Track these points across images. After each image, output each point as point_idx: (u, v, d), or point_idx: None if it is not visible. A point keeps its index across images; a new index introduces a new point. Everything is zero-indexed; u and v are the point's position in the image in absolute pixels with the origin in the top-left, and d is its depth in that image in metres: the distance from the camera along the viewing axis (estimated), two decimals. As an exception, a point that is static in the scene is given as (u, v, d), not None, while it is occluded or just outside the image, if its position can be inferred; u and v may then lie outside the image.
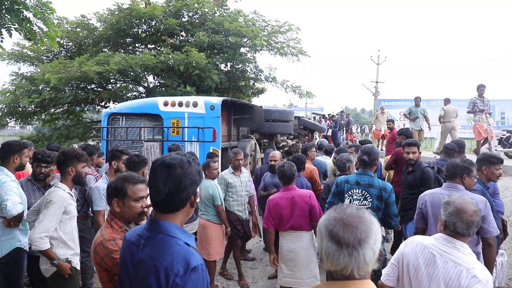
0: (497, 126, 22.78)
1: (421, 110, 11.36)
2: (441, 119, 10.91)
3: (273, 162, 5.26)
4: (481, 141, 9.43)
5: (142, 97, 13.28)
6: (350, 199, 3.58)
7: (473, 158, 5.13)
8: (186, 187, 1.55)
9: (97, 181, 4.68)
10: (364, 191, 3.53)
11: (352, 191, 3.59)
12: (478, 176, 3.68)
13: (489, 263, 3.18)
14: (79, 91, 12.87)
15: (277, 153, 5.48)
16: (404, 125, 13.82)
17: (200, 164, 1.68)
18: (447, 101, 11.41)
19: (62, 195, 3.02)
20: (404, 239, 4.62)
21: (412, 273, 2.26)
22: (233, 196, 5.01)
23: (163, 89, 12.99)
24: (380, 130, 14.34)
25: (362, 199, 3.53)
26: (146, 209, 2.19)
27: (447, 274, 2.10)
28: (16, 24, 4.51)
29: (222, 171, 6.60)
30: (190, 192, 1.57)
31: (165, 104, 6.72)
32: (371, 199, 3.51)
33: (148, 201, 2.12)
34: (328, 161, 6.19)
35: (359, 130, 17.93)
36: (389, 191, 3.52)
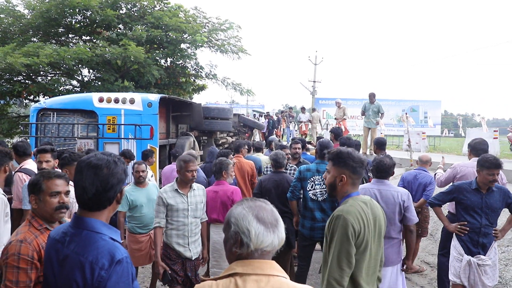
0: (421, 124, 24.87)
1: (375, 107, 10.83)
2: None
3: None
4: None
5: (76, 92, 12.64)
6: (312, 184, 4.18)
7: None
8: (113, 186, 1.62)
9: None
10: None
11: (314, 177, 4.18)
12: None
13: (410, 247, 3.64)
14: (4, 83, 11.93)
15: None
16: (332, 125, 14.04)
17: (125, 163, 1.76)
18: (313, 110, 17.53)
19: (2, 197, 2.85)
20: None
21: None
22: (172, 223, 3.65)
23: (99, 83, 12.48)
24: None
25: (322, 183, 4.15)
26: (66, 202, 2.17)
27: None
28: None
29: (160, 168, 6.59)
30: (116, 191, 1.65)
31: (100, 100, 6.52)
32: None
33: (66, 198, 2.17)
34: (262, 157, 6.42)
35: (296, 128, 18.50)
36: None
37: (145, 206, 4.32)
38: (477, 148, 4.38)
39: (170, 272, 3.64)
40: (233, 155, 5.56)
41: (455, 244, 3.81)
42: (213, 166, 4.25)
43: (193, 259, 3.72)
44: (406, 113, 9.73)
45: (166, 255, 3.68)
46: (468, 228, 3.68)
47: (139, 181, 4.38)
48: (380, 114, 10.95)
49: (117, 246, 1.58)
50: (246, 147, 6.12)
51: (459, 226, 3.73)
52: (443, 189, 4.14)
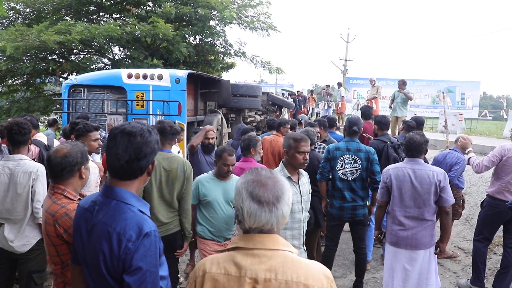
0: (457, 106, 23.80)
1: (404, 95, 10.26)
2: None
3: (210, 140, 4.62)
4: None
5: (107, 69, 12.84)
6: (342, 163, 4.03)
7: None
8: (146, 155, 1.58)
9: None
10: (354, 155, 4.03)
11: (343, 156, 4.04)
12: None
13: (446, 229, 3.45)
14: (39, 62, 12.25)
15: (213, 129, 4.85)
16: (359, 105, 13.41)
17: (158, 134, 1.71)
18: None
19: (42, 165, 3.02)
20: None
21: None
22: (286, 222, 2.64)
23: (130, 61, 12.59)
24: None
25: (353, 162, 4.02)
26: None
27: None
28: None
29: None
30: (149, 160, 1.61)
31: (129, 76, 6.54)
32: (360, 162, 4.02)
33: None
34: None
35: (326, 107, 17.89)
36: (373, 153, 4.07)
37: (220, 205, 3.44)
38: None
39: None
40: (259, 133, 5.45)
41: None
42: (241, 142, 4.16)
43: None
44: (443, 93, 9.18)
45: None
46: None
47: (224, 175, 3.50)
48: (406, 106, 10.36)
49: (146, 218, 1.54)
50: (288, 125, 5.80)
51: None
52: None
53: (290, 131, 5.35)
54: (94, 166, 3.28)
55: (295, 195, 2.90)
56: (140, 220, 1.51)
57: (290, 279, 1.27)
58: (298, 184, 3.01)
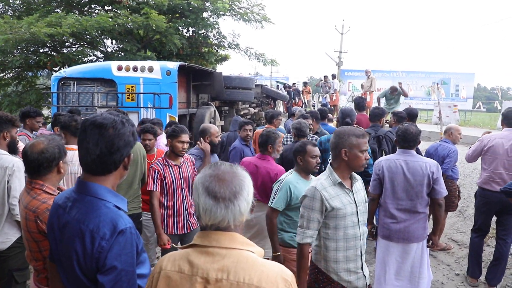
0: (451, 98, 23.83)
1: (396, 98, 10.23)
2: None
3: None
4: None
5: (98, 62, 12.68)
6: None
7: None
8: (119, 149, 1.49)
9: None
10: None
11: None
12: None
13: (438, 221, 3.41)
14: (30, 55, 12.08)
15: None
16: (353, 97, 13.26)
17: (134, 125, 1.62)
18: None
19: (19, 160, 2.90)
20: None
21: None
22: (337, 239, 2.34)
23: (122, 54, 12.45)
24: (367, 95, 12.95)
25: None
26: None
27: None
28: None
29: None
30: (123, 154, 1.51)
31: (119, 68, 6.44)
32: None
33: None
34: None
35: (320, 99, 17.78)
36: None
37: None
38: (510, 117, 4.01)
39: None
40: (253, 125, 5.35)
41: None
42: (259, 137, 3.99)
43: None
44: (437, 84, 9.14)
45: None
46: None
47: (314, 170, 3.08)
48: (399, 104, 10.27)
49: (121, 214, 1.46)
50: (281, 117, 5.72)
51: None
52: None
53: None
54: None
55: (349, 205, 2.32)
56: (115, 216, 1.44)
57: (242, 280, 1.21)
58: (352, 191, 2.37)
